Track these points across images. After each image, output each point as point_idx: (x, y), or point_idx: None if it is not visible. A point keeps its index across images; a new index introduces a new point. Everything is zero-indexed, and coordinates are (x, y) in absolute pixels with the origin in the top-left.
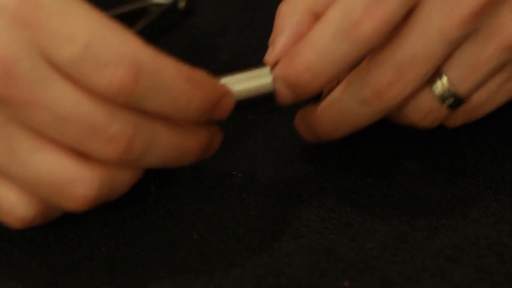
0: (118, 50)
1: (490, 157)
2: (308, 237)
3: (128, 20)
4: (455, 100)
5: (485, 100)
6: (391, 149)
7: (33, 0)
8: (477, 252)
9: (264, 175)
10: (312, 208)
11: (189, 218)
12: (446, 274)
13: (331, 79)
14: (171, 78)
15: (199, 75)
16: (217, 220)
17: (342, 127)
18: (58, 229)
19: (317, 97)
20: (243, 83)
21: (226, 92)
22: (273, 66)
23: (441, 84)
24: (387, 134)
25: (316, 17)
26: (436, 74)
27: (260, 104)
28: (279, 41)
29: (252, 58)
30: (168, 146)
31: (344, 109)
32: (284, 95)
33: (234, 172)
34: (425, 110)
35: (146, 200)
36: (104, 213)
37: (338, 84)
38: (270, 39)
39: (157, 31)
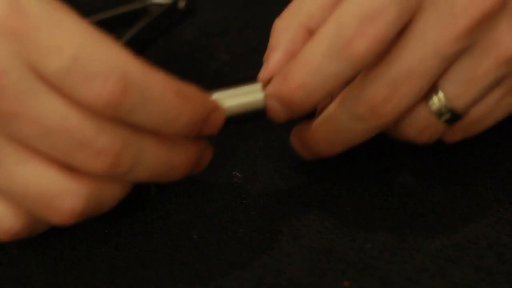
0: (106, 63)
1: (490, 157)
2: (308, 237)
3: (128, 20)
4: (452, 116)
5: (483, 115)
6: (392, 149)
7: (22, 11)
8: (477, 252)
9: (264, 175)
10: (312, 208)
11: (189, 218)
12: (446, 274)
13: (325, 96)
14: (160, 92)
15: (189, 90)
16: (217, 220)
17: (337, 143)
18: (58, 229)
19: (312, 114)
20: (234, 98)
21: (216, 107)
22: (266, 83)
23: (438, 99)
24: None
25: (311, 33)
26: (432, 89)
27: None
28: (273, 58)
29: (252, 58)
30: (157, 160)
31: (339, 126)
32: (278, 112)
33: (234, 172)
34: (421, 126)
35: (146, 200)
36: (104, 213)
37: (332, 100)
38: (265, 56)
39: (157, 31)
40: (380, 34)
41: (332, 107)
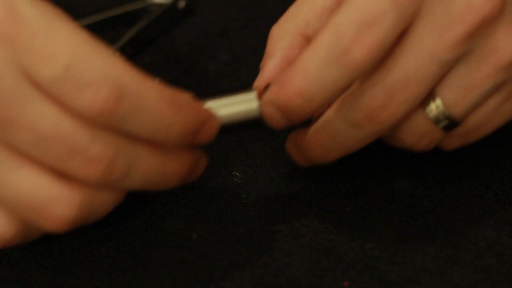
0: (100, 71)
1: (490, 157)
2: (308, 237)
3: (128, 20)
4: (449, 122)
5: (482, 122)
6: (392, 149)
7: (17, 17)
8: (477, 252)
9: (264, 175)
10: (312, 208)
11: (189, 218)
12: (446, 274)
13: (323, 103)
14: (153, 101)
15: (183, 99)
16: (217, 220)
17: (333, 150)
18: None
19: (308, 121)
20: (229, 107)
21: (210, 116)
22: (262, 91)
23: (435, 106)
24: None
25: (308, 40)
26: (429, 96)
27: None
28: (268, 66)
29: (252, 58)
30: (150, 169)
31: (335, 133)
32: (276, 119)
33: (234, 172)
34: (419, 133)
35: (146, 200)
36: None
37: (329, 106)
38: (261, 63)
39: (157, 31)
40: (378, 41)
41: (328, 114)
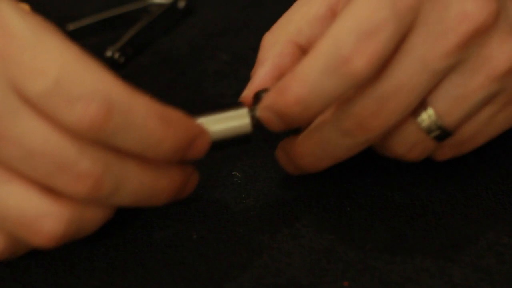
0: (90, 86)
1: (490, 157)
2: (308, 237)
3: (128, 20)
4: (441, 132)
5: (475, 132)
6: None
7: (6, 32)
8: (477, 252)
9: (264, 175)
10: (312, 208)
11: (189, 218)
12: (446, 274)
13: (322, 110)
14: (143, 116)
15: (173, 114)
16: (217, 220)
17: (323, 158)
18: None
19: (298, 128)
20: (220, 123)
21: (201, 132)
22: (252, 99)
23: (427, 116)
24: None
25: (300, 48)
26: (422, 105)
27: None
28: (259, 74)
29: (252, 58)
30: (140, 185)
31: (326, 140)
32: (274, 124)
33: (234, 172)
34: (410, 142)
35: None
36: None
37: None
38: (252, 71)
39: (157, 31)
40: (378, 51)
41: (319, 121)
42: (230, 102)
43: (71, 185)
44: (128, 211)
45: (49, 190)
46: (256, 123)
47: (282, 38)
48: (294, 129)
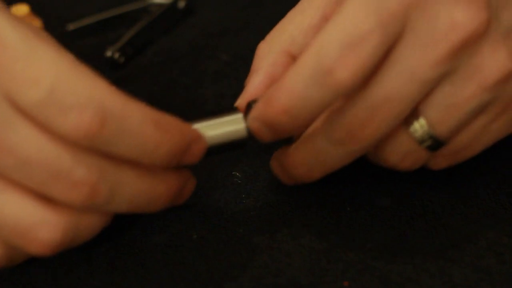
0: (84, 94)
1: (490, 157)
2: (308, 237)
3: (128, 20)
4: (434, 142)
5: (469, 142)
6: None
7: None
8: (477, 252)
9: (264, 175)
10: (312, 208)
11: (189, 218)
12: (446, 274)
13: (310, 120)
14: (138, 123)
15: (168, 120)
16: (217, 220)
17: (316, 168)
18: None
19: (290, 138)
20: (215, 128)
21: (197, 137)
22: (245, 108)
23: (419, 125)
24: None
25: (293, 58)
26: (413, 114)
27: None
28: (252, 83)
29: (252, 58)
30: (136, 191)
31: (318, 150)
32: (263, 134)
33: (234, 172)
34: (403, 152)
35: None
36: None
37: (310, 124)
38: (246, 80)
39: (157, 31)
40: (362, 62)
41: (310, 131)
42: (230, 102)
43: (67, 193)
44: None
45: (45, 198)
46: (248, 132)
47: (275, 48)
48: (287, 139)
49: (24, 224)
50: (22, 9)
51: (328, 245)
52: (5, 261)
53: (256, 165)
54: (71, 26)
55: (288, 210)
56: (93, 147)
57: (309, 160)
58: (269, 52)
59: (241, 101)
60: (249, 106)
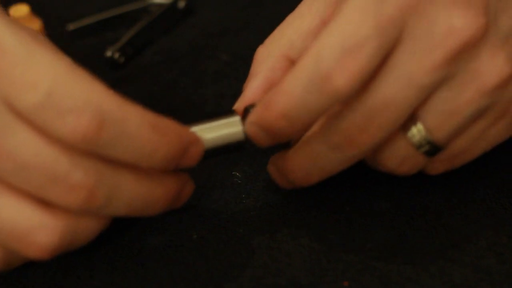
0: (82, 98)
1: (490, 157)
2: (308, 237)
3: (128, 20)
4: (431, 147)
5: (466, 147)
6: None
7: None
8: (477, 252)
9: (264, 175)
10: (312, 208)
11: (189, 218)
12: (446, 274)
13: (308, 125)
14: (136, 126)
15: (166, 123)
16: (217, 220)
17: (314, 172)
18: None
19: (288, 143)
20: (213, 131)
21: (194, 140)
22: (242, 112)
23: (417, 130)
24: None
25: (291, 62)
26: (411, 119)
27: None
28: (250, 87)
29: (252, 58)
30: (134, 195)
31: (315, 155)
32: (261, 139)
33: (234, 172)
34: (401, 157)
35: None
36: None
37: (308, 129)
38: (245, 84)
39: (157, 31)
40: (360, 68)
41: (308, 135)
42: (230, 102)
43: (64, 196)
44: None
45: (43, 202)
46: (246, 135)
47: (274, 52)
48: (285, 143)
49: (21, 228)
50: (22, 9)
51: (328, 245)
52: (2, 265)
53: (256, 165)
54: (71, 26)
55: (288, 210)
56: (91, 151)
57: (306, 164)
58: (267, 56)
59: (239, 105)
60: (246, 111)
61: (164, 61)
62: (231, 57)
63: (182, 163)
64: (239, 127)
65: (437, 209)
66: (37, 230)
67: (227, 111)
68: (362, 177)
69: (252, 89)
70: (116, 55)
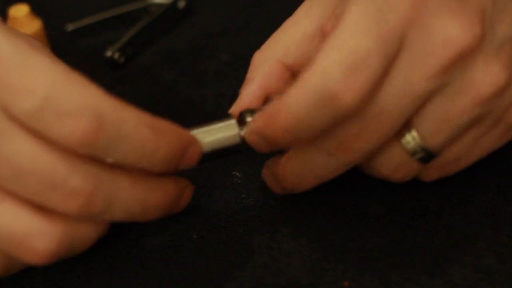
0: (79, 101)
1: (490, 157)
2: (308, 237)
3: (128, 20)
4: (425, 154)
5: (460, 155)
6: None
7: None
8: (477, 252)
9: None
10: (312, 208)
11: (189, 218)
12: (446, 274)
13: (311, 138)
14: (135, 128)
15: (164, 124)
16: (217, 220)
17: (308, 178)
18: None
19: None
20: (210, 134)
21: (192, 140)
22: (238, 117)
23: (411, 137)
24: None
25: (287, 68)
26: (406, 126)
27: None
28: (245, 93)
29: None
30: (132, 200)
31: (309, 160)
32: (261, 146)
33: (234, 172)
34: (395, 163)
35: None
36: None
37: None
38: (241, 88)
39: (157, 31)
40: (366, 83)
41: None
42: (230, 102)
43: (62, 202)
44: None
45: (41, 208)
46: (242, 141)
47: (270, 58)
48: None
49: (19, 234)
50: (22, 9)
51: (328, 245)
52: (1, 271)
53: (256, 165)
54: (71, 26)
55: (288, 210)
56: (90, 154)
57: (300, 170)
58: (263, 62)
59: (234, 109)
60: (241, 115)
61: (164, 61)
62: (231, 57)
63: (181, 164)
64: (235, 131)
65: (437, 209)
66: (35, 236)
67: (223, 115)
68: (362, 178)
69: (246, 95)
70: (116, 55)
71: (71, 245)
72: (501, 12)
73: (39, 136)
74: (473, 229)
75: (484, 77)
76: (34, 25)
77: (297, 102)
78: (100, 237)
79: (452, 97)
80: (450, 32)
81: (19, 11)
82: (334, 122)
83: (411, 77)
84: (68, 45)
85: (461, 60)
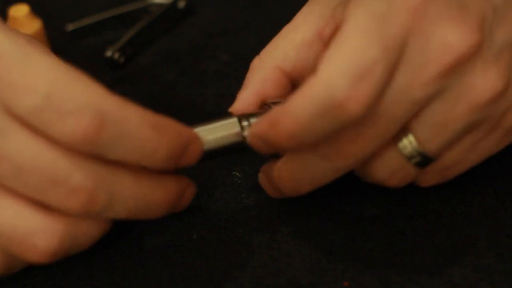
0: (81, 99)
1: (490, 157)
2: (308, 237)
3: (128, 20)
4: (422, 159)
5: (458, 159)
6: None
7: None
8: (477, 252)
9: None
10: (312, 208)
11: (189, 218)
12: (446, 274)
13: (313, 144)
14: (136, 125)
15: (165, 122)
16: (217, 220)
17: (304, 182)
18: None
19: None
20: (211, 132)
21: (193, 138)
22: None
23: (408, 142)
24: None
25: (285, 74)
26: (402, 131)
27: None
28: (241, 97)
29: (252, 58)
30: (134, 198)
31: (305, 165)
32: (262, 149)
33: (234, 172)
34: (391, 168)
35: None
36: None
37: None
38: (239, 93)
39: (157, 31)
40: (371, 92)
41: None
42: (230, 102)
43: (64, 200)
44: None
45: (42, 205)
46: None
47: (268, 64)
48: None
49: (21, 232)
50: (22, 9)
51: (328, 245)
52: (2, 269)
53: (256, 165)
54: (71, 26)
55: (288, 210)
56: (92, 152)
57: (296, 174)
58: (261, 68)
59: (232, 111)
60: (239, 119)
61: (164, 61)
62: (231, 57)
63: (182, 161)
64: (237, 128)
65: (437, 209)
66: (36, 234)
67: (223, 114)
68: (362, 178)
69: (242, 99)
70: (116, 55)
71: (73, 243)
72: (501, 19)
73: (40, 134)
74: (473, 229)
75: (482, 82)
76: (34, 25)
77: (302, 109)
78: (103, 235)
79: (450, 102)
80: (449, 39)
81: (19, 11)
82: (338, 130)
83: (410, 83)
84: (68, 45)
85: (460, 66)
